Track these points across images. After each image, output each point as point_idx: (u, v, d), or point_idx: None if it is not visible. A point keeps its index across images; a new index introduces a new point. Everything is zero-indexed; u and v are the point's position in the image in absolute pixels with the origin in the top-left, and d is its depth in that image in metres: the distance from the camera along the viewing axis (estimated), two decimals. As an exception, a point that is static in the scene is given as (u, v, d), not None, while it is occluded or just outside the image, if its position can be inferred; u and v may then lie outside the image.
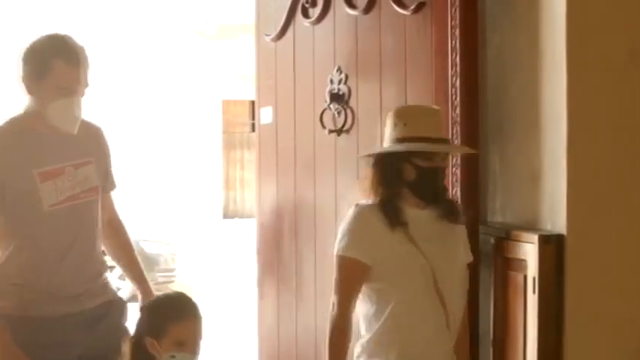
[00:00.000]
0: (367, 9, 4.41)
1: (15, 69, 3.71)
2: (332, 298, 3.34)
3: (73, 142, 3.73)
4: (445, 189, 3.51)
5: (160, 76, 15.23)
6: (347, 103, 4.56)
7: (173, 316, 3.29)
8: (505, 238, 3.63)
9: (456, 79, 3.82)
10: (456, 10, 3.83)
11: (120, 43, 14.64)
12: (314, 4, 4.78)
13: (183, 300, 3.39)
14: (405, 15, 4.15)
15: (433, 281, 3.27)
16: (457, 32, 3.82)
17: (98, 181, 3.81)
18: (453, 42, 3.83)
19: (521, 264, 3.49)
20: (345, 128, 4.55)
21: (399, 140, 3.34)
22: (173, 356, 3.24)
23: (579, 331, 3.39)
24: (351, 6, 4.51)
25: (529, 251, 3.41)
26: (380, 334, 3.32)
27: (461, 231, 3.49)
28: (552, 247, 3.35)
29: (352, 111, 4.53)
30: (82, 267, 3.72)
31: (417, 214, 3.37)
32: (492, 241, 3.69)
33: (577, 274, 3.38)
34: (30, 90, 3.68)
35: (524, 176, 3.70)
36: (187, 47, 15.39)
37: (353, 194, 3.85)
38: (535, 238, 3.37)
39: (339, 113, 4.60)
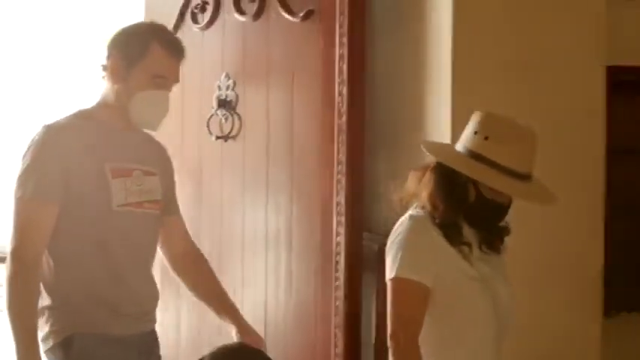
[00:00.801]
0: (256, 15, 4.40)
1: (99, 59, 3.25)
2: (390, 331, 2.76)
3: (143, 146, 3.28)
4: (502, 231, 2.94)
5: (53, 81, 14.94)
6: (234, 109, 4.55)
7: None
8: (388, 245, 3.65)
9: (342, 87, 3.84)
10: (344, 19, 3.86)
11: (22, 54, 14.33)
12: (203, 10, 4.75)
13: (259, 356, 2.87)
14: (293, 22, 4.16)
15: (493, 305, 2.83)
16: (345, 40, 3.85)
17: (161, 196, 3.28)
18: (341, 50, 3.86)
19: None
20: (232, 134, 4.52)
21: (472, 155, 2.75)
22: None
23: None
24: (240, 12, 4.50)
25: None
26: None
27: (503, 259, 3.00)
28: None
29: (239, 117, 4.51)
30: (144, 285, 3.24)
31: (466, 229, 2.86)
32: (376, 248, 3.71)
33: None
34: (116, 78, 3.15)
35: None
36: (77, 52, 15.14)
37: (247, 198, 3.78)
38: (417, 244, 3.39)
39: (226, 119, 4.58)
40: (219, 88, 4.63)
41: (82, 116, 3.20)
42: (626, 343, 4.26)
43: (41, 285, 3.06)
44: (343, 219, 3.84)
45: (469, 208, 2.78)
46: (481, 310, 2.80)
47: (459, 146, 2.80)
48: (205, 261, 3.46)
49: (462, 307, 2.78)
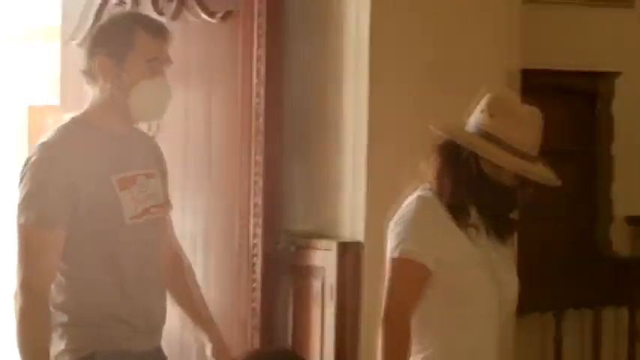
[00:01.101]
0: (174, 16, 4.37)
1: (82, 62, 2.97)
2: (384, 308, 2.69)
3: (141, 147, 3.04)
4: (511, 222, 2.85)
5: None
6: (152, 110, 4.50)
7: None
8: (305, 246, 3.66)
9: (260, 88, 3.84)
10: (262, 20, 3.87)
11: None
12: (121, 9, 4.70)
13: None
14: (212, 23, 4.14)
15: (498, 292, 2.76)
16: (263, 41, 3.86)
17: (163, 198, 3.09)
18: (259, 51, 3.86)
19: (320, 271, 3.53)
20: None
21: (477, 132, 2.71)
22: None
23: (376, 335, 3.46)
24: (158, 12, 4.45)
25: (328, 259, 3.46)
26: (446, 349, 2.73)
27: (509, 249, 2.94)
28: (350, 255, 3.41)
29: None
30: (157, 299, 3.03)
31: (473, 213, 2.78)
32: (293, 249, 3.72)
33: (375, 281, 3.45)
34: (107, 77, 2.90)
35: (326, 185, 3.75)
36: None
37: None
38: (334, 245, 3.43)
39: (143, 121, 4.54)
40: (137, 89, 4.59)
41: (78, 126, 2.94)
42: (536, 341, 4.35)
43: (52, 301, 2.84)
44: (260, 220, 3.83)
45: (474, 189, 2.70)
46: (486, 295, 2.73)
47: (467, 126, 2.76)
48: (186, 266, 3.27)
49: (466, 291, 2.71)
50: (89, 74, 2.93)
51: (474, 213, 2.72)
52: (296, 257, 3.72)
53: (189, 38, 4.31)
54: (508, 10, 3.84)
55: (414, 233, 2.67)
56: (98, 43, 2.93)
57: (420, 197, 2.72)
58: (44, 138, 2.87)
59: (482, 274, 2.71)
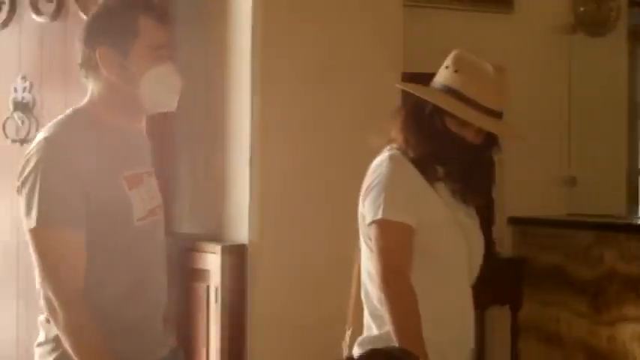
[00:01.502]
0: (54, 16, 4.28)
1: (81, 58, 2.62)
2: (381, 277, 2.60)
3: (140, 143, 2.76)
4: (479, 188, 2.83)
5: None
6: (31, 112, 4.41)
7: None
8: (190, 248, 3.63)
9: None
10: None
11: None
12: (-1, 9, 4.59)
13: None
14: (93, 23, 4.06)
15: (468, 250, 2.76)
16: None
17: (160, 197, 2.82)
18: (141, 51, 3.80)
19: (205, 274, 3.51)
20: (29, 138, 4.38)
21: (440, 87, 2.70)
22: None
23: (262, 338, 3.45)
24: (38, 12, 4.37)
25: (212, 261, 3.44)
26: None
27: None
28: (235, 257, 3.40)
29: (37, 120, 4.38)
30: (160, 302, 2.76)
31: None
32: (178, 251, 3.68)
33: (259, 283, 3.44)
34: (111, 69, 2.57)
35: (211, 187, 3.72)
36: None
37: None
38: (218, 248, 3.41)
39: (22, 122, 4.44)
40: (16, 90, 4.48)
41: (82, 120, 2.62)
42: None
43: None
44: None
45: (439, 145, 2.67)
46: (460, 253, 2.73)
47: (432, 83, 2.73)
48: None
49: (442, 249, 2.70)
50: (88, 67, 2.60)
51: (440, 169, 2.69)
52: (183, 260, 3.69)
53: (69, 38, 4.22)
54: (392, 15, 3.88)
55: (392, 194, 2.62)
56: (97, 33, 2.60)
57: (391, 157, 2.69)
58: (46, 132, 2.56)
59: (456, 235, 2.71)
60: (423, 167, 2.67)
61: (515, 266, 4.85)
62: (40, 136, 2.54)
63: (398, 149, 2.70)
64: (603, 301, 4.64)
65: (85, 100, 2.63)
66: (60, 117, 2.62)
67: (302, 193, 3.57)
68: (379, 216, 2.61)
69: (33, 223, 2.43)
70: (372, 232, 2.64)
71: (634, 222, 5.20)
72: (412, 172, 2.66)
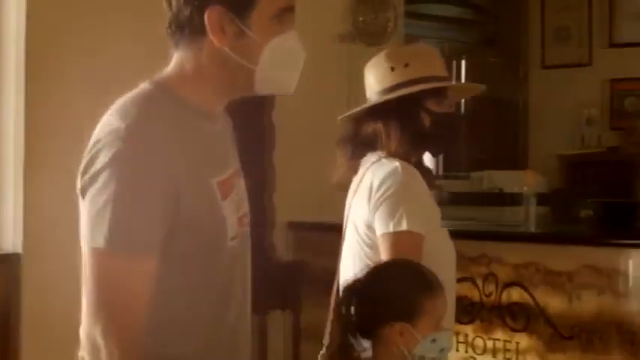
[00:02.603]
0: None
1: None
2: None
3: (229, 135, 2.18)
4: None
5: None
6: None
7: (426, 287, 2.31)
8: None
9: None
10: None
11: None
12: None
13: (422, 266, 2.45)
14: None
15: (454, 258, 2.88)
16: None
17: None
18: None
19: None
20: None
21: (406, 84, 2.76)
22: (434, 340, 2.28)
23: (36, 347, 3.37)
24: None
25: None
26: None
27: None
28: (8, 266, 3.33)
29: None
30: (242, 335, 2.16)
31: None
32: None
33: (33, 292, 3.37)
34: (221, 36, 1.95)
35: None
36: None
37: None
38: (-9, 257, 3.31)
39: None
40: None
41: (168, 100, 1.97)
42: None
43: None
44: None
45: (430, 134, 2.78)
46: (452, 256, 2.83)
47: (382, 91, 2.81)
48: None
49: (443, 254, 2.77)
50: (187, 31, 1.97)
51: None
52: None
53: None
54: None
55: (412, 205, 2.66)
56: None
57: (402, 166, 2.71)
58: (123, 116, 1.88)
59: (445, 238, 2.82)
60: (426, 173, 2.78)
61: (294, 270, 4.91)
62: (114, 120, 1.88)
63: (393, 156, 2.75)
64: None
65: (169, 72, 2.00)
66: (137, 93, 1.96)
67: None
68: (402, 227, 2.62)
69: (101, 241, 1.83)
70: (388, 243, 2.64)
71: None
72: (420, 180, 2.73)
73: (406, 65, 2.79)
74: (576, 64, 6.77)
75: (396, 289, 2.29)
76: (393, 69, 2.80)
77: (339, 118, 2.95)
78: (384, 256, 2.64)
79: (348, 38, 5.27)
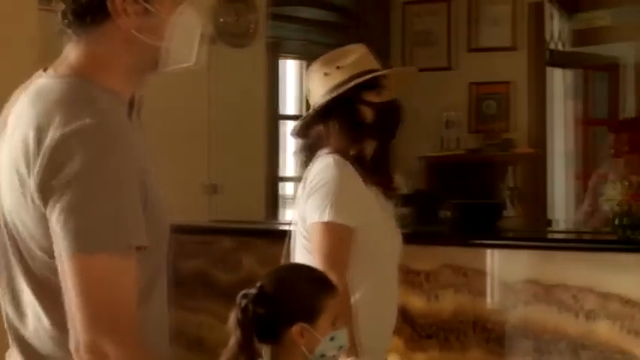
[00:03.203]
0: None
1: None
2: (325, 268, 2.63)
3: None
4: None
5: None
6: None
7: (322, 286, 2.36)
8: None
9: None
10: None
11: None
12: None
13: (314, 267, 2.57)
14: None
15: (398, 242, 3.02)
16: None
17: None
18: None
19: None
20: None
21: (340, 85, 2.91)
22: (333, 338, 2.32)
23: None
24: None
25: None
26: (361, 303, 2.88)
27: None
28: None
29: None
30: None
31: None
32: None
33: None
34: (130, 17, 1.88)
35: None
36: None
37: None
38: None
39: None
40: None
41: (102, 90, 1.89)
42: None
43: None
44: None
45: (375, 125, 2.93)
46: (394, 249, 2.98)
47: (323, 95, 2.93)
48: None
49: (381, 247, 2.91)
50: (88, 16, 1.90)
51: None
52: None
53: None
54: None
55: (339, 196, 2.82)
56: None
57: (335, 160, 2.86)
58: (73, 113, 1.78)
59: (390, 231, 2.98)
60: (365, 167, 2.91)
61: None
62: (68, 118, 1.77)
63: (336, 153, 2.89)
64: (243, 305, 4.75)
65: (81, 62, 1.90)
66: (66, 86, 1.86)
67: None
68: (325, 218, 2.80)
69: (77, 245, 1.72)
70: (314, 233, 2.83)
71: (271, 227, 5.37)
72: (354, 174, 2.87)
73: (338, 67, 2.94)
74: (437, 68, 6.88)
75: (293, 291, 2.34)
76: (326, 74, 2.95)
77: (290, 134, 3.09)
78: (312, 245, 2.83)
79: (209, 39, 5.22)
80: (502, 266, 3.99)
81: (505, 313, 3.95)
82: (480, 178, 6.65)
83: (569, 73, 7.91)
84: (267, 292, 2.30)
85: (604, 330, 3.70)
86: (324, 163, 2.89)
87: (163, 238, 1.95)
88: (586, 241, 4.53)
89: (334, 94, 2.90)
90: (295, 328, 2.26)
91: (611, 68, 7.88)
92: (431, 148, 6.90)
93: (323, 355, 2.29)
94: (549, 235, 5.15)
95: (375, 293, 2.92)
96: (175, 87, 5.00)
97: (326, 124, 2.93)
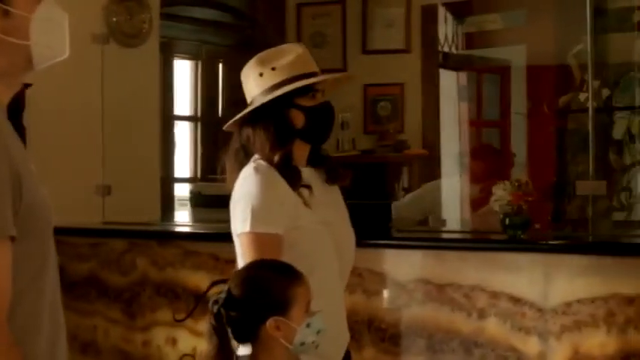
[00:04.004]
0: None
1: None
2: None
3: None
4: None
5: None
6: None
7: (289, 276, 2.44)
8: None
9: None
10: None
11: None
12: None
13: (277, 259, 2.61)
14: None
15: (335, 249, 2.90)
16: None
17: None
18: None
19: None
20: None
21: (274, 87, 2.85)
22: (309, 324, 2.38)
23: None
24: None
25: None
26: None
27: (339, 194, 3.10)
28: None
29: None
30: None
31: (306, 173, 2.92)
32: None
33: None
34: None
35: None
36: None
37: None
38: None
39: None
40: None
41: None
42: None
43: None
44: None
45: (306, 130, 2.88)
46: (326, 252, 2.86)
47: (257, 96, 2.88)
48: None
49: (309, 250, 2.81)
50: None
51: (307, 172, 2.89)
52: None
53: None
54: None
55: (259, 206, 2.75)
56: None
57: (255, 168, 2.82)
58: None
59: (320, 233, 2.86)
60: (289, 174, 2.83)
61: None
62: None
63: (262, 159, 2.84)
64: (137, 307, 4.72)
65: None
66: None
67: None
68: (247, 229, 2.74)
69: None
70: (240, 244, 2.78)
71: (165, 229, 5.34)
72: (277, 179, 2.80)
73: (273, 69, 2.88)
74: (332, 70, 6.91)
75: (261, 288, 2.40)
76: (261, 75, 2.89)
77: (225, 128, 3.00)
78: (240, 256, 2.80)
79: (101, 39, 5.16)
80: (395, 266, 4.04)
81: (399, 313, 3.99)
82: (375, 179, 6.71)
83: (462, 76, 8.03)
84: (235, 294, 2.36)
85: (495, 328, 3.77)
86: (246, 172, 2.85)
87: (46, 239, 1.98)
88: (476, 240, 4.61)
89: (265, 100, 2.86)
90: (270, 323, 2.32)
91: (503, 71, 8.02)
92: (329, 149, 6.93)
93: (303, 343, 2.36)
94: (443, 235, 5.21)
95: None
96: (68, 87, 4.95)
97: (254, 127, 2.88)
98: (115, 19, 5.24)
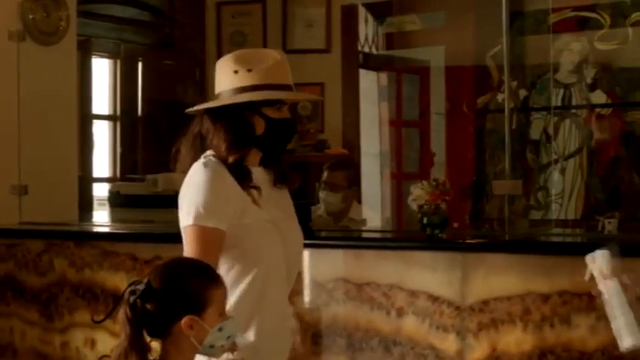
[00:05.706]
0: None
1: None
2: None
3: None
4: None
5: None
6: None
7: (208, 279, 2.48)
8: None
9: None
10: None
11: None
12: None
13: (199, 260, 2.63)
14: None
15: (283, 249, 2.90)
16: None
17: None
18: None
19: None
20: None
21: (245, 89, 2.86)
22: (221, 328, 2.42)
23: None
24: None
25: None
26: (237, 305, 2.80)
27: (288, 195, 3.10)
28: None
29: None
30: None
31: (257, 173, 2.92)
32: None
33: None
34: None
35: None
36: None
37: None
38: None
39: None
40: None
41: None
42: None
43: None
44: None
45: (264, 139, 2.88)
46: (273, 250, 2.87)
47: (227, 91, 2.88)
48: None
49: (254, 247, 2.84)
50: None
51: (258, 172, 2.90)
52: None
53: None
54: None
55: (204, 200, 2.77)
56: None
57: (204, 164, 2.82)
58: None
59: (267, 232, 2.86)
60: (239, 174, 2.84)
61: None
62: None
63: (214, 156, 2.85)
64: (55, 309, 4.67)
65: None
66: None
67: None
68: (190, 222, 2.77)
69: None
70: (184, 236, 2.80)
71: (84, 229, 5.28)
72: (225, 176, 2.82)
73: (249, 70, 2.88)
74: (251, 68, 6.91)
75: (180, 285, 2.43)
76: (236, 72, 2.89)
77: (188, 111, 2.98)
78: (184, 248, 2.81)
79: (17, 36, 5.08)
80: (314, 265, 4.05)
81: (319, 312, 4.01)
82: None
83: (382, 76, 8.10)
84: (154, 287, 2.38)
85: (413, 326, 3.81)
86: (196, 167, 2.86)
87: None
88: (395, 239, 4.65)
89: (232, 101, 2.87)
90: (185, 321, 2.36)
91: (422, 71, 8.11)
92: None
93: (212, 346, 2.39)
94: (362, 234, 5.24)
95: (255, 296, 2.88)
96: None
97: (215, 122, 2.89)
98: (31, 17, 5.16)
